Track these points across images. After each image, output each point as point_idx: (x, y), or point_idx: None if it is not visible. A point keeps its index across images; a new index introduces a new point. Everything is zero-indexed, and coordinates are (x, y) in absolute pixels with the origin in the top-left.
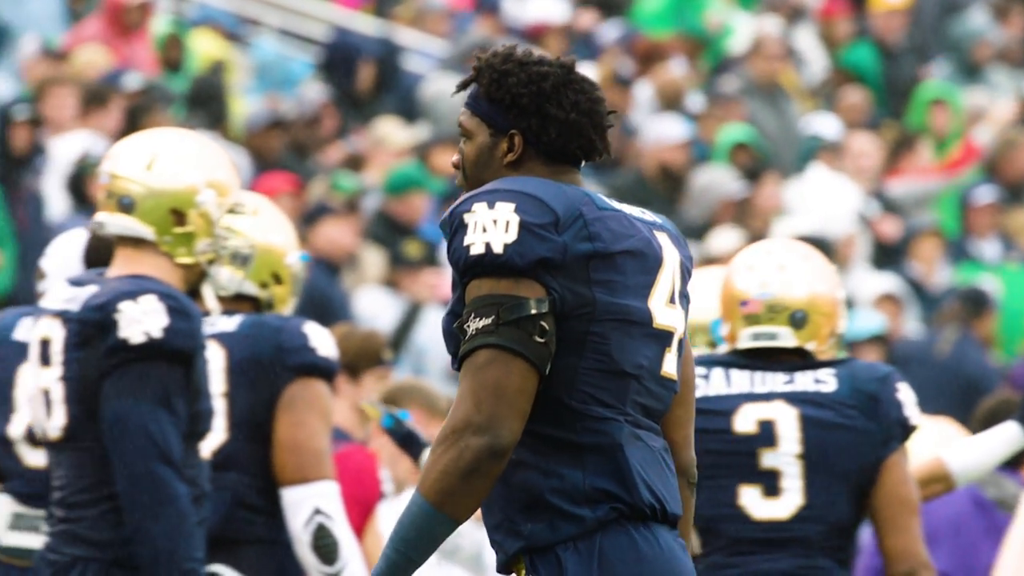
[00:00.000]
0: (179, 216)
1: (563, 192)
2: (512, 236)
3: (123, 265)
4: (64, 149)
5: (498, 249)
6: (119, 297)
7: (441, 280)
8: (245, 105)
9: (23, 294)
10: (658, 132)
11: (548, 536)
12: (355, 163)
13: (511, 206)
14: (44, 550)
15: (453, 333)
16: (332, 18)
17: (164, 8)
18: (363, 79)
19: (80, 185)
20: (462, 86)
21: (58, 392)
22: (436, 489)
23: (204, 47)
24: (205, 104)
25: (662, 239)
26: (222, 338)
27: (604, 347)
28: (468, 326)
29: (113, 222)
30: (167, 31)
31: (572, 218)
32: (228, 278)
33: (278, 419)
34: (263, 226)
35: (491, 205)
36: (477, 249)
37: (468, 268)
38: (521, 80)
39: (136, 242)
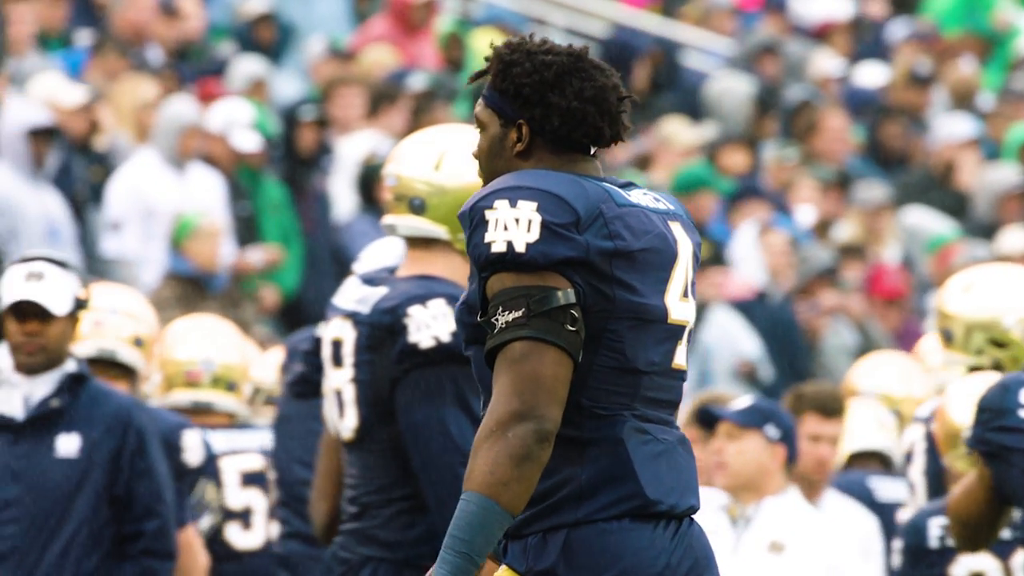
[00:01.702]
0: None
1: (584, 190)
2: (534, 236)
3: (414, 265)
4: (351, 149)
5: (520, 248)
6: (409, 301)
7: (727, 279)
8: None
9: (310, 293)
10: (947, 131)
11: (526, 526)
12: (642, 162)
13: (533, 205)
14: (336, 548)
15: (465, 322)
16: (616, 16)
17: (450, 8)
18: (639, 77)
19: (368, 185)
20: (474, 77)
21: (350, 393)
22: (489, 482)
23: (484, 45)
24: None
25: (676, 229)
26: None
27: (618, 345)
28: (497, 319)
29: (404, 224)
30: (448, 30)
31: (592, 217)
32: None
33: None
34: None
35: (513, 203)
36: (499, 247)
37: (489, 264)
38: (525, 70)
39: (427, 242)
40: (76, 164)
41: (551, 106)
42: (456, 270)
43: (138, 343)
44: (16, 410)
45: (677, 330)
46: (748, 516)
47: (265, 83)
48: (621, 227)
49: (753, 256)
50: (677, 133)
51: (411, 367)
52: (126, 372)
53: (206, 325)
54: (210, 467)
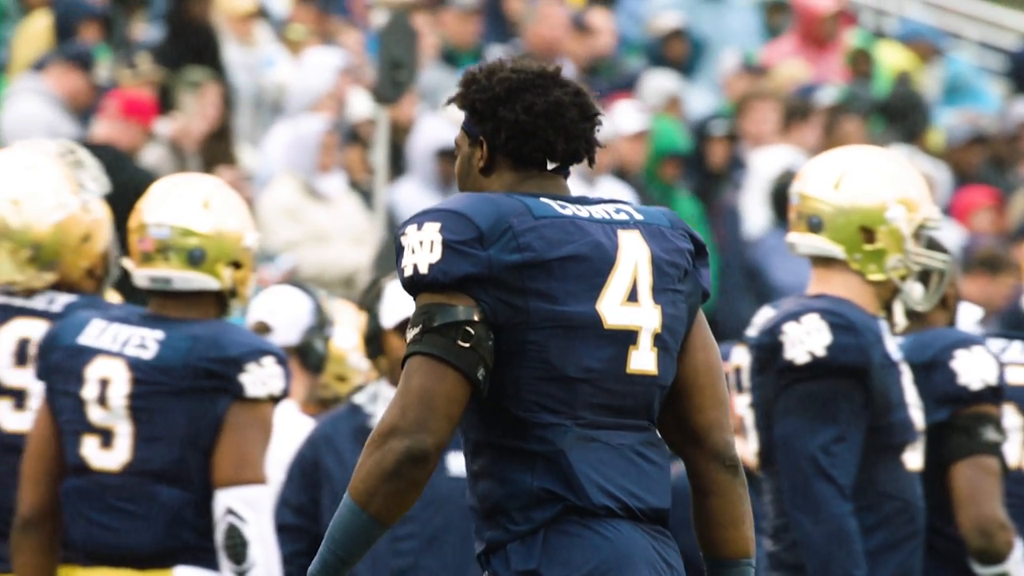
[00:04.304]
0: (868, 233)
1: (494, 206)
2: (436, 256)
3: (816, 284)
4: (765, 164)
5: (424, 270)
6: (784, 319)
7: None
8: (938, 118)
9: (723, 309)
10: None
11: (502, 537)
12: None
13: (436, 226)
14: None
15: None
16: None
17: (862, 21)
18: None
19: (782, 201)
20: (449, 100)
21: (749, 418)
22: (360, 489)
23: (893, 59)
24: (903, 117)
25: (626, 238)
26: None
27: (543, 355)
28: (407, 336)
29: (804, 242)
30: (858, 45)
31: (499, 231)
32: (921, 294)
33: None
34: None
35: (419, 226)
36: (408, 271)
37: (408, 289)
38: (481, 87)
39: (827, 261)
40: None
41: (501, 120)
42: (853, 289)
43: None
44: None
45: (624, 335)
46: None
47: (679, 99)
48: (534, 238)
49: None
50: None
51: (787, 383)
52: None
53: None
54: None
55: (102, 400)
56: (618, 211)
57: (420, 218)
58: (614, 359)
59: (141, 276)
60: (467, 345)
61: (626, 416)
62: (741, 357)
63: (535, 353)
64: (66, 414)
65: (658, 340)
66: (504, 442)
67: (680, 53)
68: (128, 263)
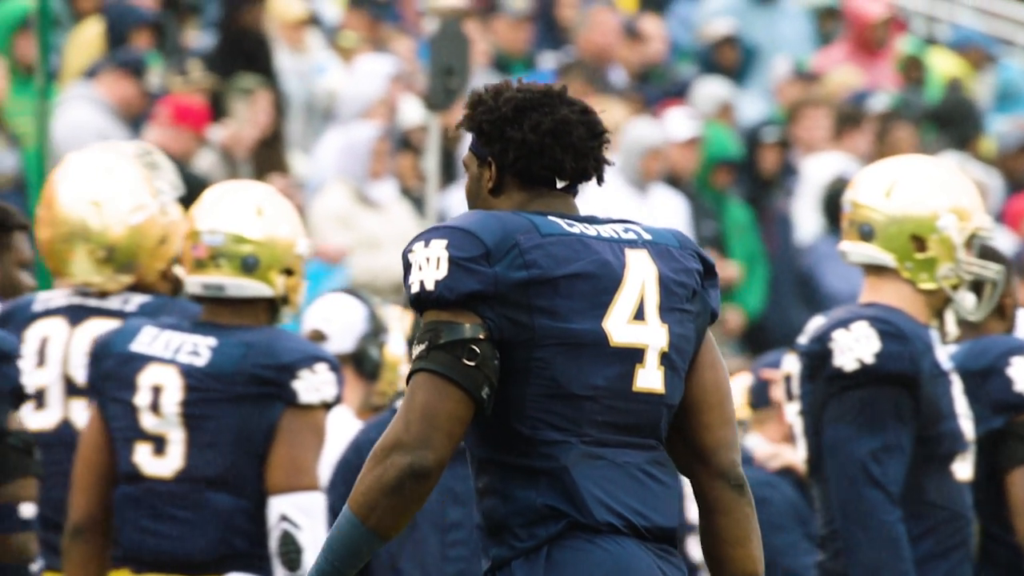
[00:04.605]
0: (919, 242)
1: (502, 223)
2: (442, 272)
3: (868, 293)
4: (817, 171)
5: (430, 286)
6: (833, 326)
7: None
8: (990, 124)
9: (774, 316)
10: None
11: (507, 554)
12: None
13: (443, 243)
14: None
15: None
16: None
17: (914, 28)
18: None
19: (834, 208)
20: (459, 124)
21: (798, 425)
22: (361, 503)
23: (945, 66)
24: (955, 124)
25: (634, 256)
26: None
27: (548, 372)
28: (413, 352)
29: (855, 251)
30: (910, 52)
31: (506, 248)
32: (974, 304)
33: None
34: None
35: (427, 243)
36: (415, 288)
37: (414, 306)
38: (488, 107)
39: (879, 270)
40: None
41: (509, 140)
42: (905, 298)
43: None
44: None
45: (630, 353)
46: None
47: (731, 106)
48: (540, 256)
49: None
50: None
51: (837, 390)
52: None
53: None
54: None
55: (155, 407)
56: (626, 230)
57: (427, 235)
58: (620, 377)
59: (194, 283)
60: (472, 363)
61: (632, 434)
62: (792, 365)
63: (540, 370)
64: (118, 421)
65: (665, 359)
66: (509, 459)
67: (732, 60)
68: (180, 270)
